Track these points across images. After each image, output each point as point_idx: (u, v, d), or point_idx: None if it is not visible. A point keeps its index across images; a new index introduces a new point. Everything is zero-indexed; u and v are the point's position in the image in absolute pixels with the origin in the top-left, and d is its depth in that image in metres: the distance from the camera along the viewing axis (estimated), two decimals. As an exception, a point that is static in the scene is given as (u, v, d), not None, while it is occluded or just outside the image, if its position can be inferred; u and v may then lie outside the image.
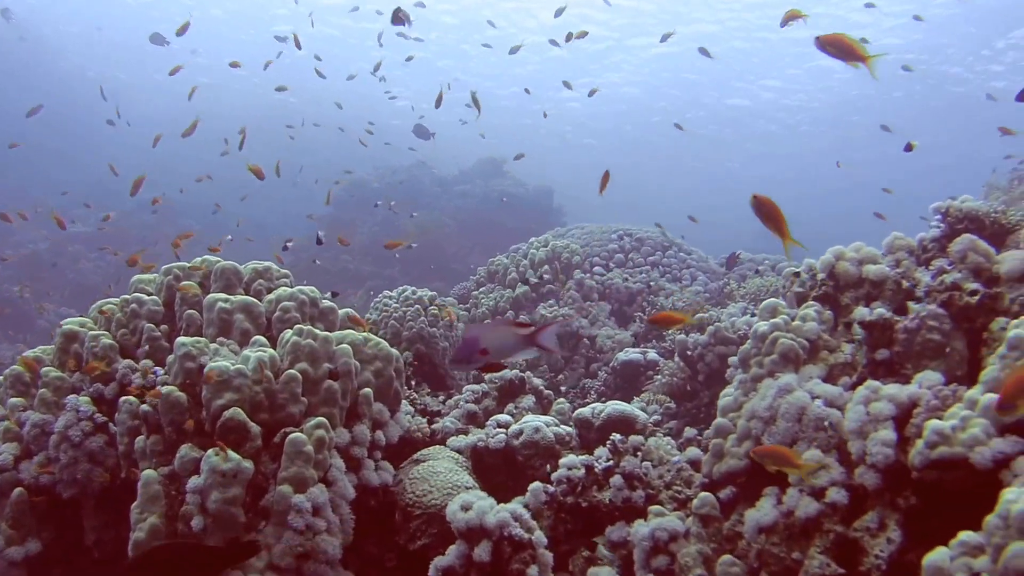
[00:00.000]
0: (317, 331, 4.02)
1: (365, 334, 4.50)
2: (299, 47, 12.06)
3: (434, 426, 5.48)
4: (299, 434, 3.61)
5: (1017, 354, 2.97)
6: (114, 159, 14.57)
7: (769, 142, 35.57)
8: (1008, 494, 2.44)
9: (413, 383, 6.28)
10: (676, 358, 6.36)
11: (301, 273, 19.14)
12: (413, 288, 7.16)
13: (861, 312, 3.90)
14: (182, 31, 11.44)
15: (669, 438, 4.94)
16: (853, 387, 3.80)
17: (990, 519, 2.43)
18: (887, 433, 3.29)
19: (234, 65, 12.42)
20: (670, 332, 7.08)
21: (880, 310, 3.83)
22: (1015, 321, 3.31)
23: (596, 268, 9.47)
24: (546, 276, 9.32)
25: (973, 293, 3.65)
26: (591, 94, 13.35)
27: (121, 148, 24.54)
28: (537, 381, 6.21)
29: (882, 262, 4.24)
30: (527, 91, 16.57)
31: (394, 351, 4.54)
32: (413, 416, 5.56)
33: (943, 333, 3.60)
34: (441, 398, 6.39)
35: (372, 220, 19.79)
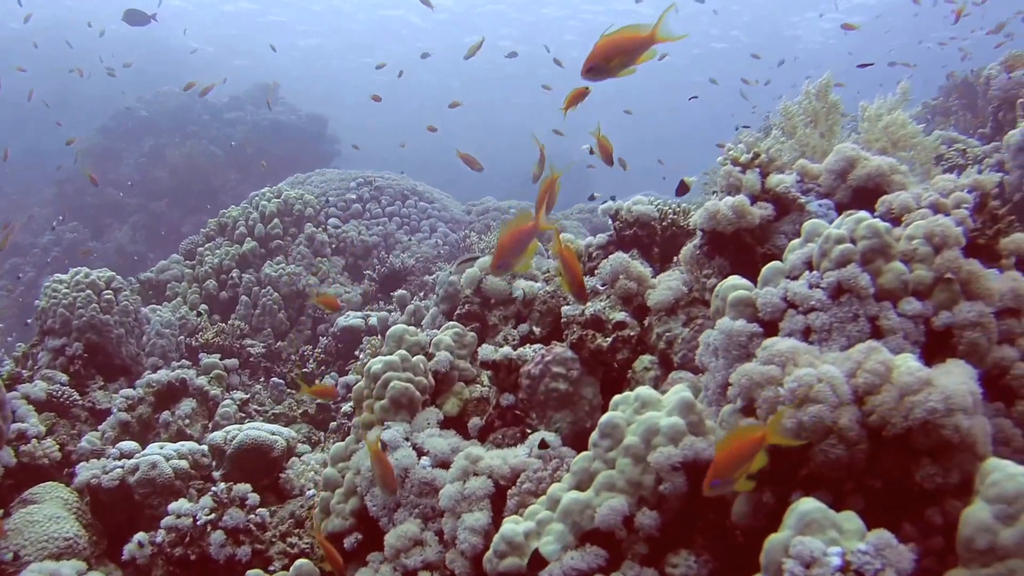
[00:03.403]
0: None
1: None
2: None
3: (75, 447, 4.70)
4: None
5: (608, 443, 2.41)
6: None
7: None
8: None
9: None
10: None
11: (71, 210, 17.35)
12: (87, 270, 6.12)
13: (485, 350, 3.32)
14: None
15: (314, 465, 4.29)
16: (482, 433, 3.23)
17: None
18: (479, 517, 2.76)
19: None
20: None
21: (505, 349, 3.26)
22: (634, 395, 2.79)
23: (332, 220, 8.68)
24: (274, 231, 8.40)
25: (618, 327, 3.11)
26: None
27: None
28: (201, 381, 5.38)
29: (539, 276, 3.66)
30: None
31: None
32: (40, 439, 4.69)
33: (570, 381, 3.08)
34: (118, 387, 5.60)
35: (138, 151, 18.04)
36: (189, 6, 28.03)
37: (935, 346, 2.49)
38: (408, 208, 9.17)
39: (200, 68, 17.63)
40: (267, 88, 18.29)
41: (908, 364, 2.12)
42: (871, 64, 6.04)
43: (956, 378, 2.13)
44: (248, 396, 6.56)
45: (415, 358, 3.45)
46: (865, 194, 3.13)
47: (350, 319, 7.25)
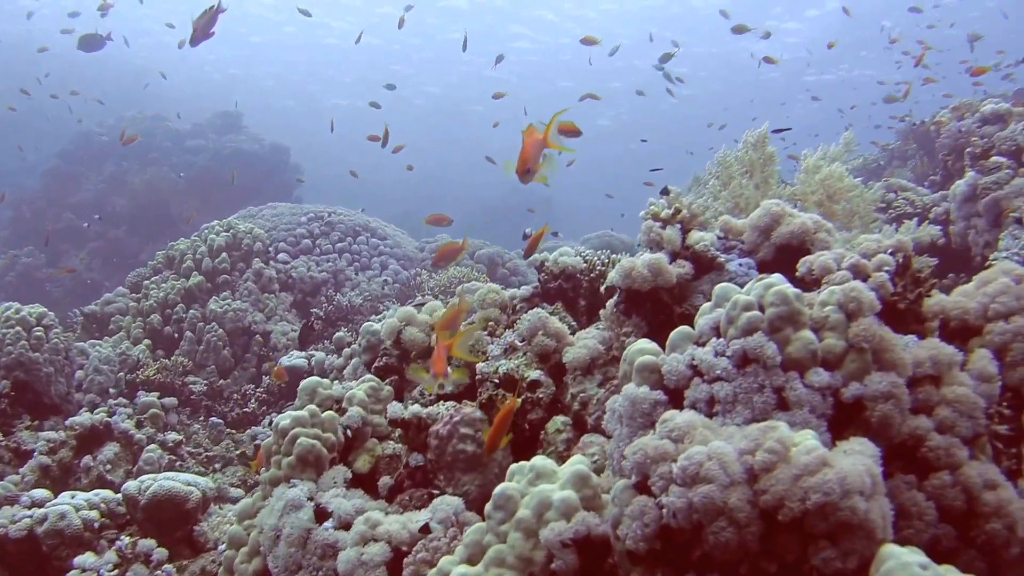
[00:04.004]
0: None
1: None
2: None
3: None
4: None
5: (502, 515, 2.30)
6: None
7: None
8: None
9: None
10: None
11: (28, 234, 17.05)
12: (17, 305, 5.93)
13: (394, 408, 3.20)
14: None
15: (231, 517, 4.11)
16: (391, 493, 3.10)
17: None
18: (375, 584, 2.60)
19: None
20: None
21: (415, 407, 3.13)
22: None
23: (281, 255, 8.51)
24: (222, 265, 8.23)
25: (532, 386, 3.00)
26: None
27: None
28: (127, 425, 5.20)
29: (460, 329, 3.52)
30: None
31: None
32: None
33: (478, 443, 2.93)
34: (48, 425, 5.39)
35: (99, 176, 17.78)
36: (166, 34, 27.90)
37: (844, 418, 2.39)
38: (359, 244, 9.03)
39: (166, 93, 17.43)
40: (230, 116, 18.14)
41: (806, 443, 2.02)
42: (787, 129, 6.00)
43: (855, 459, 2.03)
44: (182, 437, 6.36)
45: (325, 414, 3.31)
46: (789, 252, 3.05)
47: (294, 359, 7.09)
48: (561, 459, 2.96)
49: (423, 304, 3.82)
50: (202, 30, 4.12)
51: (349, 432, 3.39)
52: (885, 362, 2.42)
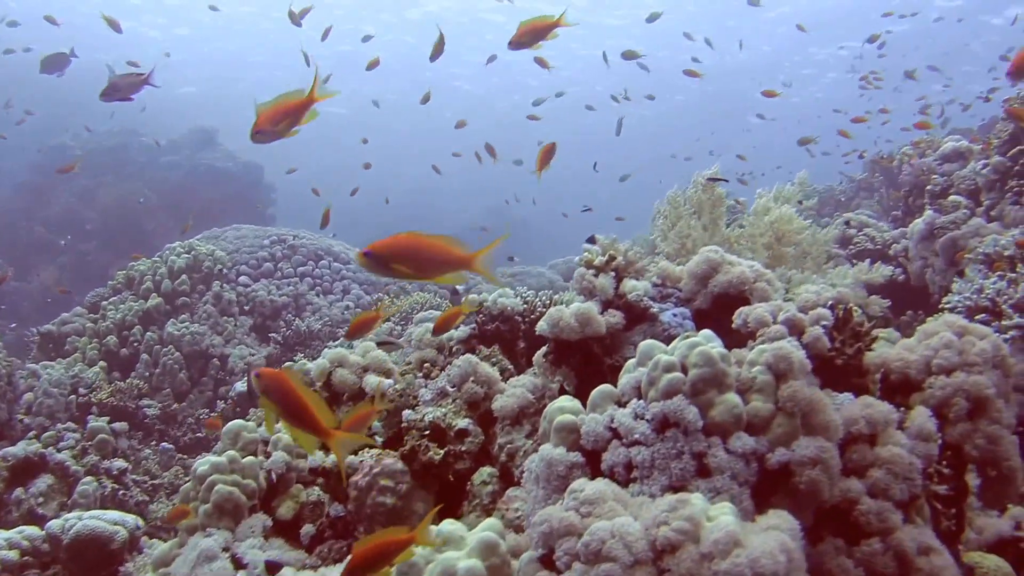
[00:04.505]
0: None
1: None
2: None
3: None
4: None
5: None
6: None
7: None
8: None
9: None
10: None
11: (-1, 248, 16.79)
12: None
13: (315, 456, 3.05)
14: None
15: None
16: (312, 543, 2.97)
17: None
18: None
19: None
20: None
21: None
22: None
23: (242, 278, 8.35)
24: (181, 287, 8.07)
25: (460, 435, 2.88)
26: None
27: None
28: (63, 456, 5.03)
29: (396, 370, 3.42)
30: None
31: None
32: None
33: (398, 495, 2.82)
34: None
35: (69, 189, 17.55)
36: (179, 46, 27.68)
37: (771, 485, 2.29)
38: (321, 268, 8.89)
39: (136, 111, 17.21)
40: (206, 132, 17.98)
41: (720, 519, 1.92)
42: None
43: (770, 536, 1.92)
44: (128, 465, 6.20)
45: (246, 459, 3.19)
46: (727, 301, 2.95)
47: (247, 384, 6.94)
48: (486, 512, 2.85)
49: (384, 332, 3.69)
50: (121, 92, 3.93)
51: (275, 476, 3.26)
52: (814, 425, 2.33)
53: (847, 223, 6.12)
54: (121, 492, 5.84)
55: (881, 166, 8.24)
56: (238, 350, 7.86)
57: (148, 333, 7.98)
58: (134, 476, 6.21)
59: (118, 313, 8.22)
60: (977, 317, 3.97)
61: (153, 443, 7.15)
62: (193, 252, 8.50)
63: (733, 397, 2.26)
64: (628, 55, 8.14)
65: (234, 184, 17.43)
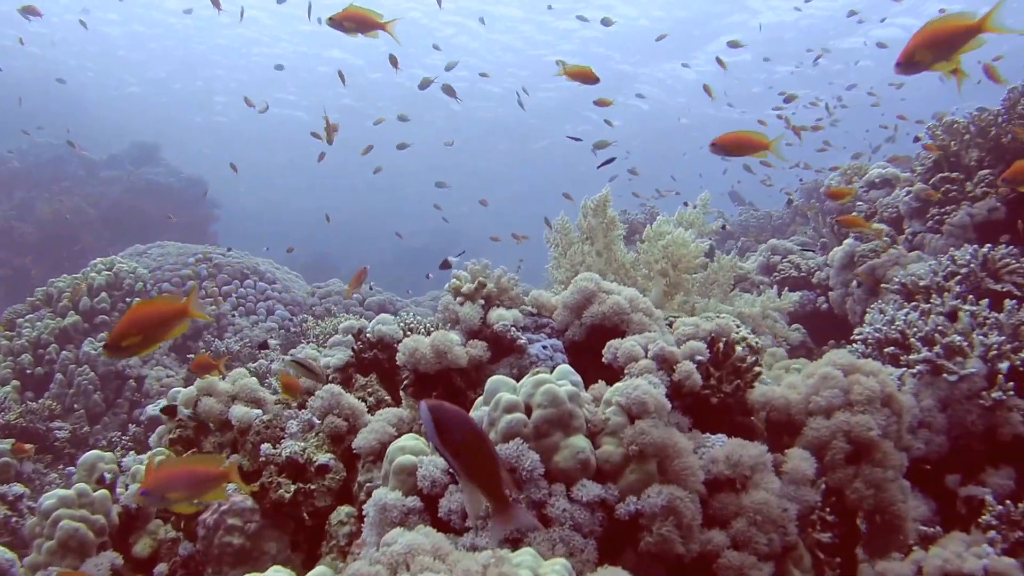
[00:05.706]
0: None
1: None
2: None
3: None
4: None
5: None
6: None
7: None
8: None
9: None
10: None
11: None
12: None
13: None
14: None
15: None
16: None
17: None
18: None
19: None
20: None
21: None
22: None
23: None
24: (101, 305, 7.78)
25: (320, 471, 2.69)
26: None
27: None
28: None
29: (269, 399, 3.21)
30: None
31: None
32: None
33: (247, 535, 2.62)
34: None
35: (8, 202, 17.10)
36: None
37: (622, 537, 2.13)
38: (246, 288, 8.63)
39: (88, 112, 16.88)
40: (147, 147, 17.62)
41: (541, 580, 1.75)
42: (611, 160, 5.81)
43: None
44: (27, 491, 5.89)
45: (97, 493, 2.97)
46: (602, 332, 2.80)
47: (160, 406, 6.67)
48: (342, 554, 2.66)
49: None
50: None
51: (133, 509, 3.05)
52: (671, 471, 2.17)
53: (772, 250, 6.03)
54: (15, 519, 5.54)
55: (802, 211, 8.21)
56: (155, 371, 7.58)
57: (64, 352, 7.68)
58: (31, 503, 5.91)
59: (34, 331, 7.90)
60: (886, 350, 3.84)
61: (61, 467, 6.85)
62: (115, 269, 8.21)
63: (580, 441, 2.09)
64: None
65: (175, 199, 17.06)
